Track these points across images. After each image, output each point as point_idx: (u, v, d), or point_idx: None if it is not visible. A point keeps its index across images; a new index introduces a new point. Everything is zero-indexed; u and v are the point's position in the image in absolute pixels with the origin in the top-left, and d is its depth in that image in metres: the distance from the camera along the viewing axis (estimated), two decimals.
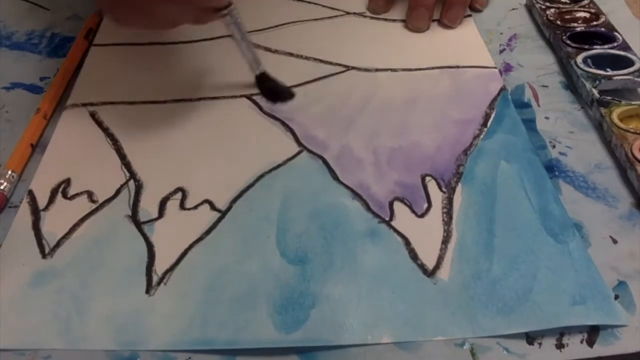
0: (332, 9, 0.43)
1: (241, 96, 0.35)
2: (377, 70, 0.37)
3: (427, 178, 0.29)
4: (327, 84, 0.36)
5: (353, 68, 0.37)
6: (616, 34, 0.37)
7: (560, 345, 0.23)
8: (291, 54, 0.38)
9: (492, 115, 0.33)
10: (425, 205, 0.28)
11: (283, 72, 0.36)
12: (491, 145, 0.31)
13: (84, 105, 0.34)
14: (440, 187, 0.29)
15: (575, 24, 0.38)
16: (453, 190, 0.28)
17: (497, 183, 0.29)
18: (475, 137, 0.31)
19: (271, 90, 0.34)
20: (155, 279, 0.25)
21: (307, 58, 0.38)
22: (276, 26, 0.41)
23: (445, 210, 0.28)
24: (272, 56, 0.38)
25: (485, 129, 0.32)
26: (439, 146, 0.31)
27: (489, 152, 0.30)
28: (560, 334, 0.23)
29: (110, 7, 0.31)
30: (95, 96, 0.35)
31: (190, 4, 0.29)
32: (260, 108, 0.34)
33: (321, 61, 0.38)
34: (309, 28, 0.41)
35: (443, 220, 0.27)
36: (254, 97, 0.35)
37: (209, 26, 0.41)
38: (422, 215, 0.27)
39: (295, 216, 0.28)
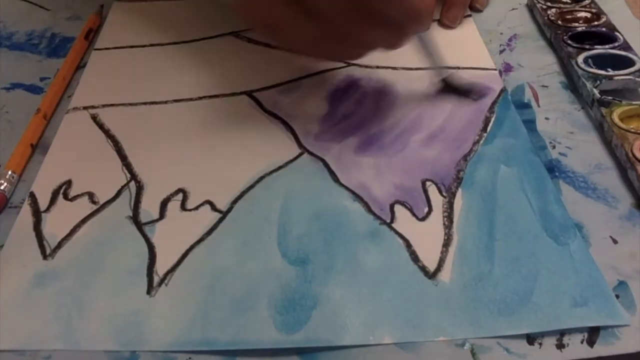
0: None
1: (241, 93, 0.35)
2: (377, 67, 0.37)
3: (428, 183, 0.29)
4: (328, 78, 0.36)
5: (353, 64, 0.37)
6: (617, 34, 0.37)
7: (560, 346, 0.23)
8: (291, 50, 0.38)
9: (492, 119, 0.33)
10: (426, 209, 0.28)
11: (282, 67, 0.37)
12: (491, 150, 0.31)
13: (85, 108, 0.34)
14: (440, 192, 0.29)
15: (577, 24, 0.38)
16: (453, 194, 0.28)
17: (498, 187, 0.29)
18: (475, 142, 0.31)
19: (460, 93, 0.34)
20: (156, 279, 0.25)
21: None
22: None
23: (445, 214, 0.28)
24: (272, 52, 0.38)
25: (485, 134, 0.32)
26: (439, 151, 0.31)
27: (489, 158, 0.30)
28: (561, 334, 0.23)
29: (286, 37, 0.27)
30: (96, 99, 0.35)
31: (403, 31, 0.27)
32: (261, 105, 0.34)
33: None
34: None
35: (444, 223, 0.27)
36: (255, 94, 0.35)
37: (208, 25, 0.41)
38: (422, 219, 0.27)
39: (296, 217, 0.28)
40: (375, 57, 0.37)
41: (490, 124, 0.32)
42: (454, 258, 0.26)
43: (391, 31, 0.27)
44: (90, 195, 0.29)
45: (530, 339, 0.23)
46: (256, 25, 0.27)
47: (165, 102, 0.35)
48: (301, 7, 0.25)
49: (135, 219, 0.28)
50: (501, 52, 0.38)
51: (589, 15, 0.39)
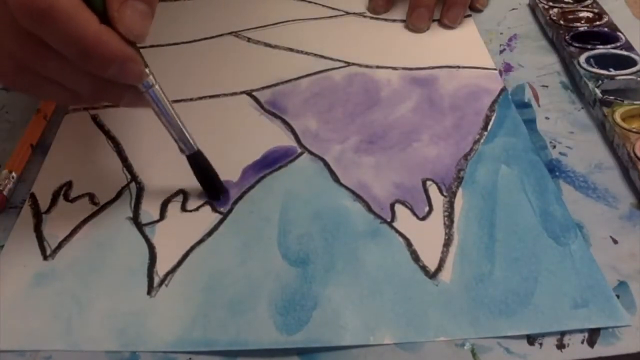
0: (332, 8, 0.43)
1: (241, 93, 0.35)
2: (377, 67, 0.37)
3: (428, 182, 0.29)
4: (328, 78, 0.36)
5: (353, 64, 0.37)
6: (619, 33, 0.36)
7: (561, 346, 0.23)
8: (291, 49, 0.38)
9: (493, 118, 0.33)
10: (427, 208, 0.28)
11: (283, 66, 0.37)
12: (492, 149, 0.31)
13: (86, 109, 0.34)
14: (441, 191, 0.29)
15: (579, 24, 0.38)
16: (454, 194, 0.28)
17: (498, 187, 0.29)
18: (476, 142, 0.31)
19: (205, 178, 0.28)
20: (156, 280, 0.25)
21: (307, 53, 0.38)
22: (276, 24, 0.41)
23: (446, 213, 0.28)
24: (272, 51, 0.38)
25: (486, 133, 0.32)
26: (439, 150, 0.31)
27: (489, 157, 0.30)
28: (561, 335, 0.23)
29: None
30: None
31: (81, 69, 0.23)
32: (261, 105, 0.34)
33: (322, 56, 0.38)
34: (309, 26, 0.41)
35: (444, 223, 0.27)
36: (255, 94, 0.35)
37: (208, 25, 0.41)
38: (423, 218, 0.27)
39: (297, 218, 0.28)
40: (376, 57, 0.38)
41: (491, 123, 0.32)
42: (454, 258, 0.26)
43: (89, 76, 0.23)
44: (91, 196, 0.29)
45: (531, 339, 0.23)
46: None
47: None
48: None
49: (135, 219, 0.28)
50: (501, 52, 0.38)
51: (591, 15, 0.39)
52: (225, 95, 0.35)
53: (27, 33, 0.21)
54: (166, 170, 0.30)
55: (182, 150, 0.27)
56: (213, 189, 0.28)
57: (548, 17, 0.39)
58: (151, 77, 0.25)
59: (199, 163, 0.28)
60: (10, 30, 0.22)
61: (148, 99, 0.25)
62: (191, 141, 0.27)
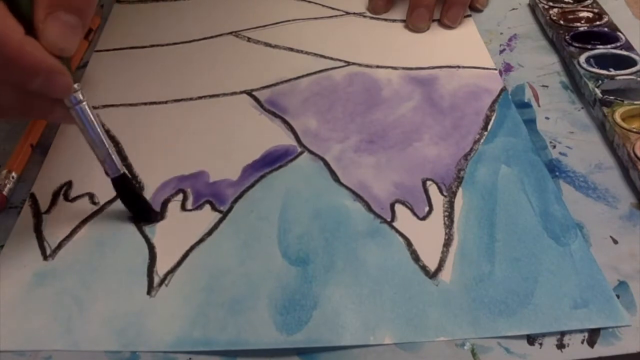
0: (332, 8, 0.43)
1: (241, 92, 0.35)
2: (377, 67, 0.37)
3: (428, 182, 0.29)
4: (328, 77, 0.36)
5: (354, 63, 0.37)
6: (619, 33, 0.37)
7: (561, 346, 0.23)
8: (291, 49, 0.38)
9: (493, 118, 0.33)
10: (427, 208, 0.28)
11: (283, 66, 0.37)
12: (492, 149, 0.31)
13: None
14: (441, 191, 0.29)
15: (579, 24, 0.38)
16: (454, 194, 0.28)
17: (498, 187, 0.29)
18: (476, 141, 0.31)
19: (127, 203, 0.27)
20: (156, 280, 0.25)
21: (307, 53, 0.38)
22: (276, 23, 0.41)
23: (446, 213, 0.28)
24: (272, 51, 0.38)
25: (486, 133, 0.32)
26: (439, 150, 0.31)
27: (489, 157, 0.30)
28: (561, 334, 0.23)
29: None
30: (96, 100, 0.35)
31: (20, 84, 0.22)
32: (261, 104, 0.34)
33: (322, 56, 0.38)
34: (309, 26, 0.41)
35: (444, 223, 0.27)
36: (255, 93, 0.35)
37: (208, 25, 0.41)
38: (423, 218, 0.27)
39: (297, 217, 0.28)
40: (375, 57, 0.38)
41: (491, 123, 0.32)
42: (454, 258, 0.26)
43: (13, 89, 0.22)
44: (91, 196, 0.29)
45: (531, 339, 0.23)
46: None
47: (166, 102, 0.35)
48: None
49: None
50: (501, 52, 0.38)
51: (591, 15, 0.39)
52: (225, 94, 0.35)
53: None
54: (166, 169, 0.30)
55: (106, 173, 0.26)
56: (141, 212, 0.27)
57: (548, 17, 0.39)
58: (79, 93, 0.24)
59: (125, 186, 0.27)
60: None
61: (74, 116, 0.24)
62: (117, 164, 0.26)
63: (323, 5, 0.43)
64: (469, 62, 0.37)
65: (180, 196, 0.29)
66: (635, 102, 0.32)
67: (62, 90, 0.23)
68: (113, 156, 0.26)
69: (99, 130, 0.25)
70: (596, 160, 0.30)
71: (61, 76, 0.22)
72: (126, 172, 0.26)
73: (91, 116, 0.25)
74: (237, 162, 0.31)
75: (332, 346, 0.23)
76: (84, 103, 0.24)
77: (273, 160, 0.31)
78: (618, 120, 0.31)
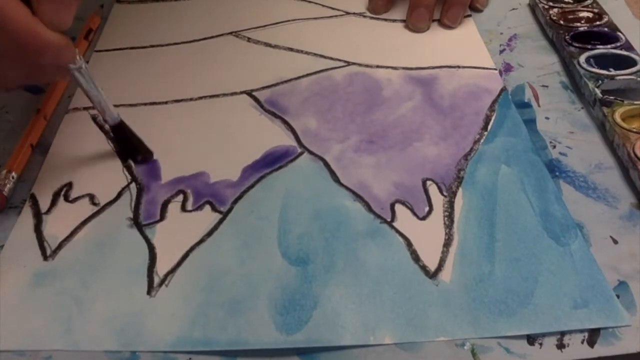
0: (332, 8, 0.43)
1: (241, 92, 0.35)
2: (378, 67, 0.37)
3: (428, 182, 0.29)
4: (328, 77, 0.36)
5: (354, 63, 0.37)
6: (619, 33, 0.37)
7: (561, 346, 0.23)
8: (291, 49, 0.38)
9: (493, 118, 0.33)
10: (427, 208, 0.28)
11: (283, 66, 0.37)
12: (492, 149, 0.31)
13: (86, 109, 0.34)
14: (441, 191, 0.29)
15: (579, 24, 0.38)
16: (454, 194, 0.28)
17: (498, 187, 0.29)
18: (476, 141, 0.31)
19: (127, 146, 0.31)
20: (156, 280, 0.25)
21: (307, 53, 0.38)
22: (276, 23, 0.41)
23: (446, 213, 0.28)
24: (272, 51, 0.38)
25: (486, 133, 0.32)
26: (439, 150, 0.31)
27: (489, 157, 0.30)
28: (561, 334, 0.23)
29: None
30: None
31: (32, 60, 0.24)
32: (261, 105, 0.34)
33: (322, 56, 0.38)
34: (309, 26, 0.41)
35: (444, 223, 0.27)
36: (255, 94, 0.35)
37: (208, 25, 0.41)
38: (423, 218, 0.27)
39: (297, 217, 0.28)
40: (375, 57, 0.38)
41: (491, 123, 0.32)
42: (454, 258, 0.26)
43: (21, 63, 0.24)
44: (91, 197, 0.29)
45: (531, 339, 0.23)
46: None
47: (166, 103, 0.35)
48: None
49: (135, 220, 0.28)
50: (501, 52, 0.38)
51: (591, 15, 0.39)
52: (225, 95, 0.35)
53: None
54: (166, 169, 0.30)
55: (106, 122, 0.30)
56: (138, 153, 0.31)
57: (548, 17, 0.39)
58: (79, 57, 0.27)
59: (124, 130, 0.30)
60: None
61: (77, 77, 0.27)
62: (114, 112, 0.30)
63: (323, 5, 0.43)
64: (469, 62, 0.37)
65: (180, 197, 0.29)
66: (635, 102, 0.32)
67: (68, 60, 0.26)
68: (110, 106, 0.29)
69: (96, 86, 0.28)
70: (596, 160, 0.30)
71: (67, 49, 0.25)
72: (122, 119, 0.30)
73: (90, 76, 0.28)
74: (237, 163, 0.31)
75: (332, 346, 0.23)
76: (84, 65, 0.27)
77: (273, 161, 0.31)
78: (618, 120, 0.31)
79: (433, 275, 0.25)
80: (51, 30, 0.23)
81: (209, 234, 0.27)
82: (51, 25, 0.23)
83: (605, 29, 0.37)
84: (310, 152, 0.31)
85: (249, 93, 0.35)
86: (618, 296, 0.24)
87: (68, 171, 0.30)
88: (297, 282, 0.25)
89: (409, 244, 0.26)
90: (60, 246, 0.27)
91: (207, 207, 0.28)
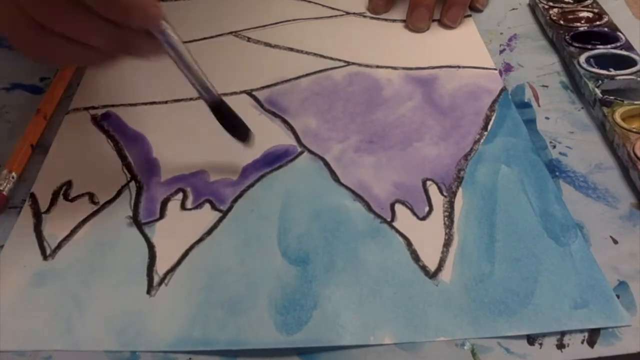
0: (332, 8, 0.43)
1: (241, 92, 0.35)
2: (377, 66, 0.37)
3: (428, 182, 0.29)
4: (328, 77, 0.36)
5: (353, 63, 0.37)
6: (619, 33, 0.37)
7: (561, 346, 0.23)
8: (291, 49, 0.38)
9: (493, 118, 0.33)
10: (427, 208, 0.28)
11: (283, 66, 0.37)
12: (492, 149, 0.31)
13: (86, 109, 0.34)
14: (441, 191, 0.29)
15: (579, 24, 0.38)
16: (454, 194, 0.28)
17: (498, 187, 0.29)
18: (476, 142, 0.31)
19: (229, 125, 0.29)
20: (156, 279, 0.25)
21: (307, 53, 0.38)
22: (276, 23, 0.41)
23: (446, 213, 0.28)
24: (272, 51, 0.38)
25: (486, 133, 0.32)
26: (440, 150, 0.31)
27: (489, 157, 0.30)
28: (561, 334, 0.23)
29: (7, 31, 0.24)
30: (96, 100, 0.35)
31: (118, 16, 0.23)
32: (261, 105, 0.34)
33: (321, 56, 0.38)
34: (309, 26, 0.41)
35: (444, 223, 0.27)
36: (255, 93, 0.35)
37: (208, 25, 0.41)
38: (423, 218, 0.27)
39: (297, 217, 0.28)
40: (375, 57, 0.38)
41: (491, 123, 0.32)
42: (454, 258, 0.26)
43: (108, 27, 0.24)
44: (91, 196, 0.29)
45: (531, 339, 0.23)
46: None
47: (166, 102, 0.35)
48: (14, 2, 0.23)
49: (135, 218, 0.28)
50: (501, 52, 0.38)
51: (591, 15, 0.39)
52: (225, 94, 0.35)
53: None
54: (166, 168, 0.30)
55: (205, 101, 0.28)
56: (240, 132, 0.29)
57: (548, 17, 0.39)
58: (169, 26, 0.25)
59: (223, 111, 0.28)
60: None
61: (167, 48, 0.26)
62: (213, 90, 0.27)
63: (323, 5, 0.43)
64: (469, 62, 0.37)
65: (180, 195, 0.29)
66: (635, 102, 0.32)
67: (156, 19, 0.25)
68: (209, 84, 0.27)
69: (194, 60, 0.26)
70: (596, 160, 0.30)
71: (155, 7, 0.25)
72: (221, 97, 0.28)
73: (183, 46, 0.26)
74: (237, 162, 0.31)
75: (332, 346, 0.23)
76: (175, 36, 0.26)
77: (273, 160, 0.31)
78: (618, 120, 0.31)
79: (433, 275, 0.25)
80: None
81: (209, 232, 0.27)
82: None
83: (605, 29, 0.37)
84: (310, 152, 0.31)
85: (249, 93, 0.35)
86: (618, 296, 0.24)
87: (68, 170, 0.30)
88: (297, 281, 0.25)
89: (409, 244, 0.26)
90: (59, 246, 0.27)
91: (207, 206, 0.28)
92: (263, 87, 0.36)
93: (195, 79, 0.27)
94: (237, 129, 0.29)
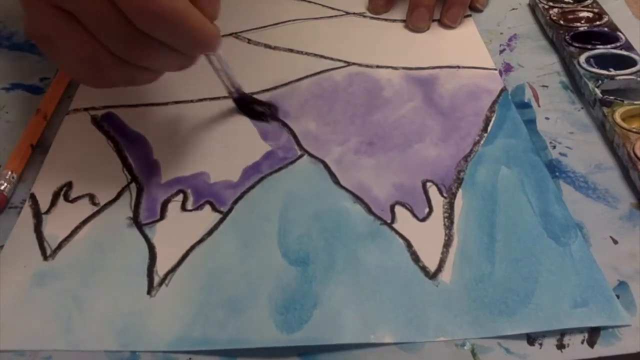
0: (332, 8, 0.43)
1: None
2: (377, 67, 0.37)
3: (428, 184, 0.29)
4: (328, 78, 0.36)
5: (354, 64, 0.37)
6: (619, 33, 0.37)
7: (561, 346, 0.23)
8: (291, 50, 0.38)
9: (493, 119, 0.33)
10: (427, 209, 0.28)
11: (283, 67, 0.37)
12: (492, 150, 0.31)
13: (86, 110, 0.34)
14: (441, 193, 0.29)
15: (579, 24, 0.38)
16: (454, 195, 0.28)
17: (498, 188, 0.29)
18: (476, 143, 0.31)
19: (252, 111, 0.33)
20: (156, 280, 0.25)
21: (307, 54, 0.38)
22: (276, 24, 0.41)
23: (446, 214, 0.28)
24: (272, 52, 0.38)
25: (486, 135, 0.32)
26: (439, 152, 0.31)
27: (489, 158, 0.30)
28: (561, 335, 0.23)
29: (70, 68, 0.26)
30: (96, 101, 0.35)
31: (188, 55, 0.26)
32: None
33: (322, 57, 0.38)
34: (309, 27, 0.41)
35: (444, 224, 0.27)
36: (255, 96, 0.35)
37: None
38: (423, 219, 0.27)
39: (297, 218, 0.28)
40: (376, 57, 0.38)
41: (491, 124, 0.32)
42: (454, 258, 0.26)
43: (174, 55, 0.26)
44: (91, 197, 0.29)
45: (531, 339, 0.23)
46: (32, 37, 0.25)
47: (166, 104, 0.35)
48: (75, 22, 0.24)
49: (135, 219, 0.28)
50: (501, 52, 0.38)
51: (591, 15, 0.39)
52: (225, 97, 0.35)
53: (137, 31, 0.23)
54: (166, 169, 0.30)
55: (230, 95, 0.33)
56: (263, 117, 0.33)
57: (548, 17, 0.39)
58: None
59: (245, 100, 0.33)
60: (117, 29, 0.23)
61: (214, 62, 0.30)
62: (240, 86, 0.32)
63: (323, 5, 0.43)
64: (469, 62, 0.37)
65: (180, 196, 0.29)
66: (635, 102, 0.32)
67: (217, 47, 0.27)
68: (237, 81, 0.32)
69: (229, 66, 0.31)
70: (596, 161, 0.30)
71: (218, 38, 0.26)
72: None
73: (222, 55, 0.30)
74: (237, 164, 0.31)
75: (332, 346, 0.23)
76: (220, 50, 0.29)
77: (273, 163, 0.31)
78: (618, 120, 0.31)
79: (433, 275, 0.25)
80: (208, 22, 0.25)
81: (209, 233, 0.27)
82: (210, 17, 0.25)
83: (605, 29, 0.37)
84: (310, 155, 0.31)
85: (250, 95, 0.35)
86: (618, 296, 0.24)
87: (68, 171, 0.30)
88: (297, 281, 0.25)
89: (409, 245, 0.26)
90: (60, 246, 0.27)
91: (207, 207, 0.28)
92: (263, 90, 0.35)
93: (229, 79, 0.32)
94: (261, 114, 0.33)
